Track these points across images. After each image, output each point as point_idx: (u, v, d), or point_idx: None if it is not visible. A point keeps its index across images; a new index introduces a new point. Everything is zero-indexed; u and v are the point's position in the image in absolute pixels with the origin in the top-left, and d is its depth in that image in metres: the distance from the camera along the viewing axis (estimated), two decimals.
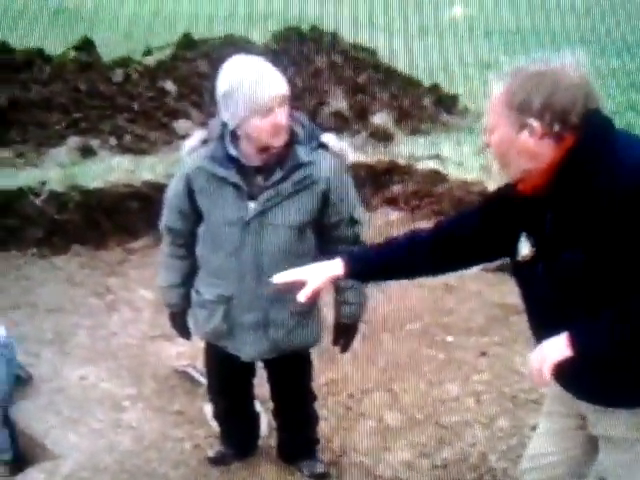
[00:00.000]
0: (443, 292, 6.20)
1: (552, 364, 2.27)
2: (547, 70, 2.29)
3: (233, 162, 3.28)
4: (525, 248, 2.48)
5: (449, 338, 5.54)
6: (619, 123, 2.41)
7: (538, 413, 4.35)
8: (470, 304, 6.05)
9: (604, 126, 2.33)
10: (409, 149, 9.12)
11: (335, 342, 3.74)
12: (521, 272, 2.55)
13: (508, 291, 5.98)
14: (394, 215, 7.73)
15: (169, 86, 9.60)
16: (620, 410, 2.50)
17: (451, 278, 6.30)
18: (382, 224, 7.37)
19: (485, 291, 6.23)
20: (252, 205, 3.29)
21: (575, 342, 2.27)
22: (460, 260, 2.79)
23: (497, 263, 6.38)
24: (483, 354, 5.31)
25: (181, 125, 8.92)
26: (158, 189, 6.55)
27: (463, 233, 2.69)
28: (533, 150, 2.29)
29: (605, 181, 2.21)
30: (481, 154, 8.69)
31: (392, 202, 7.99)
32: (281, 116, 3.17)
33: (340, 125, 9.27)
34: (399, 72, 11.16)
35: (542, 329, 2.45)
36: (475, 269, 6.46)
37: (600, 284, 2.29)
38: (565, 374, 2.47)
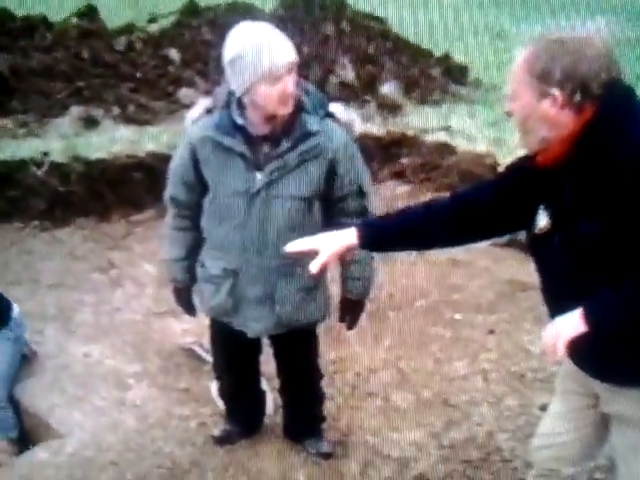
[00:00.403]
0: (451, 268, 6.13)
1: (566, 340, 2.27)
2: (569, 38, 2.26)
3: (239, 131, 3.21)
4: (543, 220, 2.45)
5: (457, 315, 5.47)
6: None
7: (546, 392, 4.43)
8: (478, 281, 5.97)
9: (626, 96, 2.30)
10: (418, 120, 9.04)
11: (341, 319, 3.69)
12: (537, 245, 2.52)
13: (516, 267, 6.02)
14: (402, 188, 7.68)
15: (173, 54, 9.54)
16: (633, 389, 2.48)
17: (459, 254, 6.25)
18: (389, 197, 7.33)
19: (493, 267, 6.16)
20: (259, 176, 3.23)
21: (589, 318, 2.27)
22: (476, 231, 2.74)
23: (506, 238, 6.40)
24: (491, 332, 5.25)
25: (185, 94, 8.84)
26: (162, 160, 6.47)
27: (481, 204, 2.64)
28: (553, 119, 2.27)
29: (625, 152, 2.19)
30: (492, 126, 8.63)
31: (400, 174, 7.95)
32: (289, 84, 3.10)
33: (348, 95, 9.18)
34: (408, 41, 11.05)
35: (558, 303, 2.43)
36: (484, 244, 6.40)
37: (617, 256, 2.26)
38: (579, 352, 2.48)
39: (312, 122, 3.23)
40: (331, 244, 2.65)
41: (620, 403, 2.55)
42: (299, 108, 3.21)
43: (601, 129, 2.23)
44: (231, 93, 3.21)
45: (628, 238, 2.21)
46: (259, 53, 3.01)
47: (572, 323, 2.28)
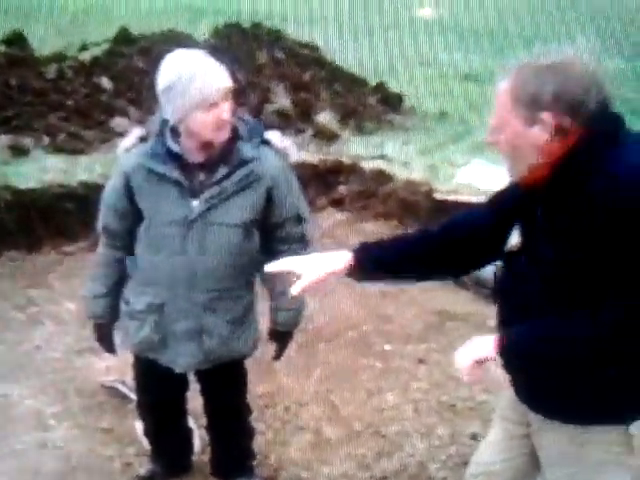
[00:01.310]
0: (380, 299, 6.15)
1: (473, 361, 2.32)
2: (554, 61, 2.22)
3: (174, 159, 3.17)
4: (515, 238, 2.45)
5: (387, 346, 5.48)
6: None
7: (476, 421, 4.50)
8: (407, 311, 5.99)
9: (613, 124, 2.27)
10: (354, 148, 9.08)
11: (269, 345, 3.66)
12: (508, 262, 2.50)
13: (445, 297, 6.12)
14: (340, 216, 7.71)
15: (105, 83, 9.43)
16: (561, 424, 2.47)
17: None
18: (328, 225, 7.32)
19: (421, 298, 6.17)
20: (195, 203, 3.18)
21: (503, 348, 2.30)
22: (472, 258, 2.70)
23: None
24: (421, 362, 5.27)
25: (118, 123, 8.73)
26: (95, 190, 6.34)
27: (476, 227, 2.62)
28: (544, 145, 2.23)
29: (601, 186, 2.14)
30: (427, 154, 8.69)
31: (338, 203, 8.00)
32: (225, 111, 3.08)
33: (284, 123, 9.14)
34: (343, 70, 11.11)
35: (515, 321, 2.43)
36: None
37: (570, 287, 2.25)
38: (515, 380, 2.55)
39: (248, 149, 3.21)
40: (316, 269, 2.56)
41: (547, 437, 2.55)
42: (235, 135, 3.20)
43: (580, 157, 2.21)
44: (165, 121, 3.18)
45: (584, 273, 2.20)
46: (193, 80, 2.99)
47: (486, 346, 2.31)
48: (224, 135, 3.14)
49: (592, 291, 2.20)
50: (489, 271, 5.89)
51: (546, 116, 2.18)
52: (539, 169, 2.27)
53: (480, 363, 2.33)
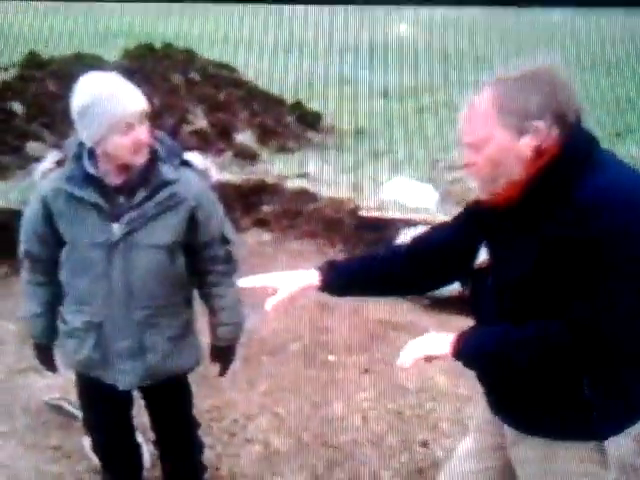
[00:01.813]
0: (320, 311, 6.15)
1: (423, 356, 2.30)
2: (539, 71, 2.20)
3: (92, 182, 3.14)
4: (482, 255, 2.46)
5: (330, 357, 5.52)
6: None
7: (425, 428, 4.55)
8: (348, 322, 6.01)
9: (589, 140, 2.26)
10: (276, 168, 9.14)
11: (213, 362, 3.65)
12: (475, 280, 2.51)
13: (385, 307, 6.12)
14: (266, 236, 7.71)
15: (17, 107, 9.26)
16: (534, 437, 2.47)
17: (324, 297, 6.26)
18: (254, 245, 7.31)
19: (360, 308, 6.19)
20: (116, 226, 3.16)
21: (458, 350, 2.28)
22: (439, 275, 2.68)
23: None
24: (366, 371, 5.31)
25: (33, 147, 8.63)
26: (13, 216, 6.25)
27: (443, 246, 2.62)
28: (532, 155, 2.19)
29: (569, 214, 2.11)
30: (349, 172, 8.76)
31: (263, 223, 7.99)
32: (142, 132, 3.07)
33: (203, 144, 9.15)
34: (260, 89, 11.12)
35: None
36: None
37: (533, 306, 2.24)
38: (488, 391, 2.56)
39: (168, 171, 3.20)
40: (291, 284, 2.54)
41: (521, 450, 2.55)
42: (154, 157, 3.18)
43: (559, 174, 2.18)
44: (81, 144, 3.15)
45: (544, 293, 2.19)
46: (109, 102, 2.97)
47: (441, 344, 2.29)
48: (142, 157, 3.12)
49: (550, 312, 2.19)
50: None
51: (537, 124, 2.16)
52: (513, 186, 2.24)
53: (429, 359, 2.32)
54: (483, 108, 2.22)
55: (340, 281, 2.64)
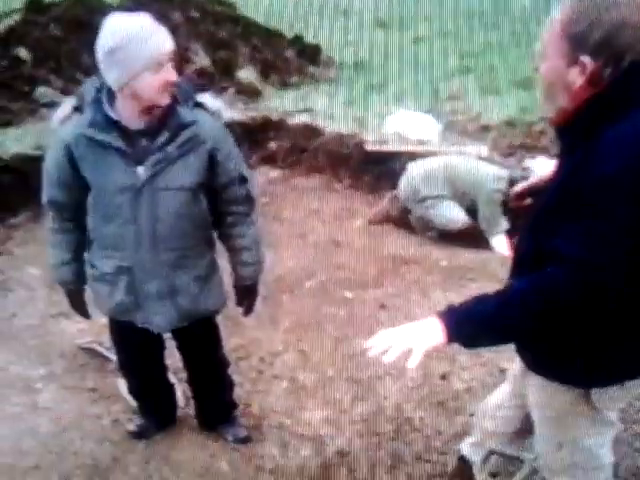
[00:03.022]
0: (333, 248, 6.32)
1: (424, 351, 2.12)
2: (614, 2, 2.06)
3: (114, 126, 3.14)
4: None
5: (347, 294, 5.65)
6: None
7: (445, 361, 4.65)
8: (361, 258, 6.15)
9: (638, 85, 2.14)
10: (280, 104, 9.13)
11: (239, 303, 3.74)
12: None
13: (395, 243, 6.30)
14: (274, 172, 7.77)
15: (23, 53, 9.26)
16: (537, 376, 2.57)
17: (337, 234, 6.43)
18: (263, 182, 7.40)
19: (373, 244, 6.36)
20: (140, 170, 3.18)
21: (451, 332, 2.15)
22: None
23: (381, 214, 6.64)
24: (382, 307, 5.45)
25: (42, 92, 8.65)
26: (29, 161, 6.42)
27: None
28: (577, 90, 2.15)
29: (597, 145, 2.08)
30: (351, 105, 8.82)
31: (270, 160, 8.06)
32: (170, 72, 3.07)
33: (205, 83, 9.14)
34: (258, 25, 11.09)
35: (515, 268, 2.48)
36: (360, 220, 6.62)
37: (547, 230, 2.21)
38: None
39: (186, 113, 3.21)
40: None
41: (527, 382, 2.69)
42: (173, 100, 3.18)
43: (595, 111, 2.13)
44: (100, 89, 3.15)
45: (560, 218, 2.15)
46: (142, 41, 2.93)
47: (432, 333, 2.14)
48: (167, 98, 3.12)
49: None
50: (431, 215, 6.13)
51: (587, 61, 2.09)
52: (563, 113, 2.22)
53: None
54: (554, 26, 2.15)
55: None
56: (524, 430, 2.99)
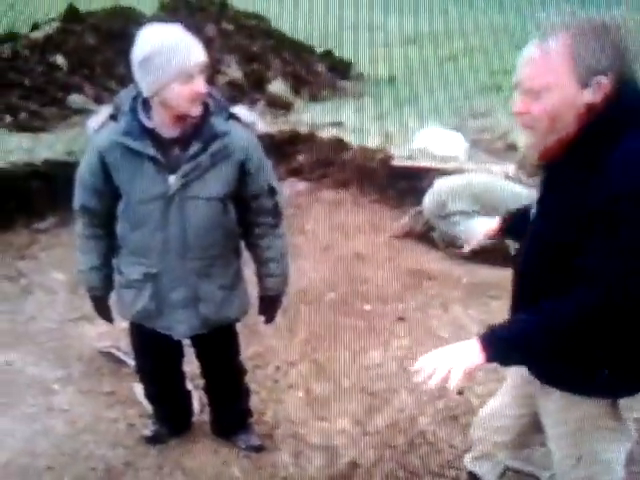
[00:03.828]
0: (355, 261, 6.31)
1: (463, 372, 2.22)
2: (610, 24, 2.12)
3: (148, 135, 3.21)
4: (532, 212, 2.47)
5: (366, 306, 5.64)
6: None
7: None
8: (383, 272, 6.15)
9: (636, 100, 2.20)
10: (309, 117, 9.18)
11: (261, 313, 3.77)
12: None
13: (417, 258, 6.29)
14: (300, 185, 7.78)
15: (59, 60, 9.40)
16: (556, 390, 2.56)
17: (360, 247, 6.44)
18: (290, 195, 7.41)
19: (395, 258, 6.36)
20: (172, 179, 3.24)
21: (490, 353, 2.24)
22: None
23: (404, 229, 6.64)
24: (401, 319, 5.44)
25: (75, 99, 8.79)
26: (59, 167, 6.49)
27: None
28: (593, 109, 2.14)
29: (618, 161, 2.11)
30: (380, 120, 8.84)
31: (297, 172, 8.06)
32: (200, 83, 3.11)
33: (237, 94, 9.23)
34: (290, 39, 11.16)
35: (520, 293, 2.52)
36: (384, 235, 6.62)
37: (557, 258, 2.27)
38: None
39: (219, 123, 3.24)
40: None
41: (544, 401, 2.66)
42: (207, 110, 3.22)
43: (599, 134, 2.15)
44: (135, 97, 3.21)
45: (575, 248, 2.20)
46: (172, 52, 3.00)
47: (471, 354, 2.24)
48: (198, 109, 3.16)
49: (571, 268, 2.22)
50: (457, 231, 6.12)
51: (603, 80, 2.11)
52: (559, 143, 2.21)
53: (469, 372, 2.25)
54: (556, 54, 2.13)
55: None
56: (522, 442, 3.01)
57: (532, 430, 2.90)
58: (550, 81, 2.16)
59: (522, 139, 2.29)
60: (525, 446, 3.07)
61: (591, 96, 2.14)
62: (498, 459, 3.08)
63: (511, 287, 2.58)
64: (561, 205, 2.26)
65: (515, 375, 2.90)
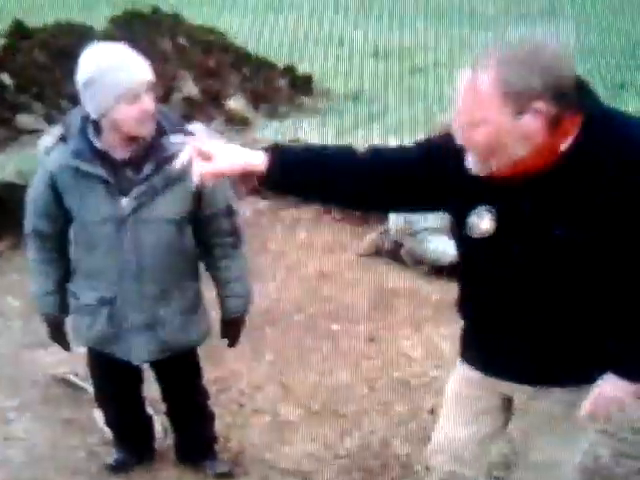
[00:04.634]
0: (322, 281, 6.21)
1: (623, 403, 2.46)
2: (536, 48, 2.14)
3: (99, 156, 3.11)
4: (485, 223, 2.38)
5: (334, 326, 5.52)
6: None
7: (432, 396, 4.52)
8: (350, 291, 6.04)
9: (602, 105, 2.25)
10: (269, 133, 9.08)
11: (224, 336, 3.68)
12: (478, 249, 2.46)
13: (384, 275, 6.19)
14: (262, 204, 7.64)
15: (6, 79, 9.19)
16: (554, 389, 2.54)
17: (325, 266, 6.31)
18: (251, 214, 7.28)
19: (363, 277, 6.26)
20: (124, 201, 3.14)
21: (635, 379, 2.41)
22: (391, 197, 2.53)
23: (371, 247, 6.53)
24: (371, 340, 5.32)
25: (24, 120, 8.63)
26: (10, 188, 6.25)
27: (404, 167, 2.48)
28: (534, 134, 2.14)
29: (615, 164, 2.15)
30: (343, 135, 8.74)
31: (258, 190, 7.88)
32: (148, 102, 3.03)
33: (193, 111, 9.10)
34: (250, 54, 11.06)
35: (500, 314, 2.50)
36: (350, 253, 6.50)
37: (588, 268, 2.29)
38: (496, 362, 2.59)
39: (173, 143, 3.13)
40: (234, 157, 2.34)
41: (539, 404, 2.61)
42: (159, 130, 3.15)
43: (591, 140, 2.17)
44: (85, 118, 3.12)
45: (601, 251, 2.23)
46: (116, 72, 2.94)
47: (622, 389, 2.41)
48: (149, 129, 3.09)
49: (597, 273, 2.28)
50: (425, 249, 6.05)
51: (538, 104, 2.10)
52: (532, 161, 2.20)
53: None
54: (484, 90, 2.13)
55: (286, 167, 2.40)
56: (480, 452, 2.93)
57: (489, 441, 2.91)
58: (483, 115, 2.16)
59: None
60: (483, 457, 2.97)
61: (532, 122, 2.13)
62: (462, 477, 2.97)
63: (479, 308, 2.62)
64: (578, 214, 2.23)
65: (462, 394, 2.86)
